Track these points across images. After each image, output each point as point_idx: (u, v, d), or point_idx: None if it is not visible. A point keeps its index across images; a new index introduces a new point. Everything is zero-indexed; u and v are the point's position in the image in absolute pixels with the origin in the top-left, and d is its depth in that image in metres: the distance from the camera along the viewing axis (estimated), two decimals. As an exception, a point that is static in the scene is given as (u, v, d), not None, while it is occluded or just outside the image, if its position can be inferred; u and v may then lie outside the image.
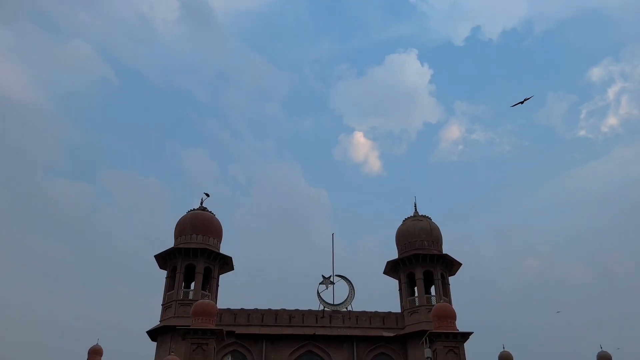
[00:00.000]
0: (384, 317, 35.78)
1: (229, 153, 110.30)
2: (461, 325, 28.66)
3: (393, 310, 36.32)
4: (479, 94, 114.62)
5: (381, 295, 45.40)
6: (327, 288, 36.12)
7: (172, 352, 28.93)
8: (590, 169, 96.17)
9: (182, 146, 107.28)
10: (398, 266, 37.04)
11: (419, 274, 35.81)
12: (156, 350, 33.53)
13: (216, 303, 33.92)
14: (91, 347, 33.72)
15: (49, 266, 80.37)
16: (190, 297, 34.42)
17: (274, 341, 33.80)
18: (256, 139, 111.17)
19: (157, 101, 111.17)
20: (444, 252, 37.18)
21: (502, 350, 34.38)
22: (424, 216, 38.97)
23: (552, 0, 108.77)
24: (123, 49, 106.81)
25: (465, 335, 28.02)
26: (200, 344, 27.02)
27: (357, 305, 35.98)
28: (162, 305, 35.15)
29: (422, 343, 29.10)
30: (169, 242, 37.15)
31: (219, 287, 36.62)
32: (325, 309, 35.41)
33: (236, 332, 33.22)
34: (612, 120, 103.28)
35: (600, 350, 34.11)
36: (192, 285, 35.68)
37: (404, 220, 39.19)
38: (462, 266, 37.43)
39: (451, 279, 37.23)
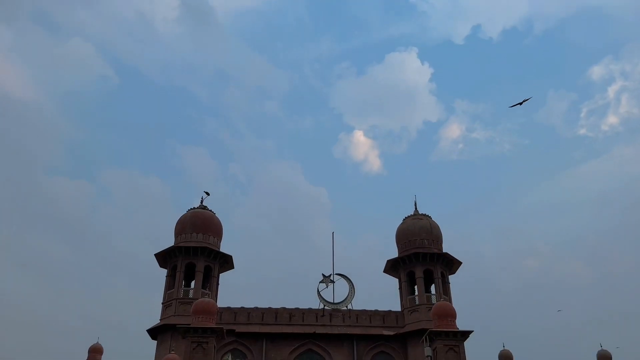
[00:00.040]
0: (384, 316, 35.79)
1: (229, 152, 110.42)
2: (461, 324, 28.69)
3: (393, 309, 36.34)
4: (479, 93, 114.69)
5: (381, 294, 45.48)
6: (327, 287, 36.15)
7: (173, 350, 28.94)
8: (591, 168, 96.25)
9: (182, 145, 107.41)
10: (398, 265, 37.05)
11: (419, 273, 35.82)
12: (156, 348, 33.55)
13: (216, 302, 33.95)
14: (91, 346, 33.83)
15: (49, 265, 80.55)
16: (191, 295, 34.43)
17: (274, 340, 33.82)
18: (256, 137, 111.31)
19: (157, 100, 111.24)
20: (444, 250, 37.19)
21: (502, 349, 34.47)
22: (424, 215, 38.97)
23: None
24: (123, 48, 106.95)
25: (465, 334, 28.01)
26: (201, 343, 27.02)
27: (357, 304, 36.05)
28: (162, 303, 35.16)
29: (422, 342, 29.10)
30: (169, 241, 37.22)
31: (219, 286, 36.65)
32: (326, 307, 35.42)
33: (236, 331, 33.24)
34: (612, 119, 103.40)
35: (600, 349, 34.20)
36: (192, 283, 35.69)
37: (404, 219, 39.19)
38: (462, 265, 37.45)
39: (451, 278, 37.25)
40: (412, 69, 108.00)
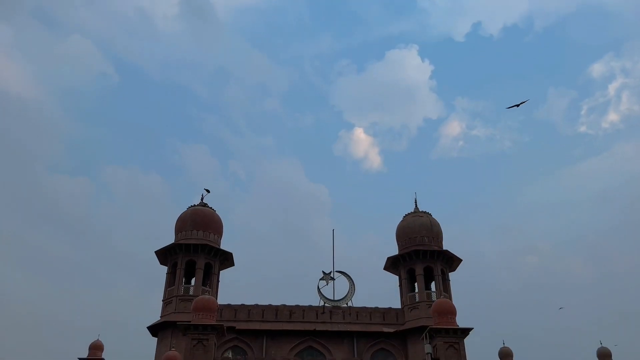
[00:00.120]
0: (384, 313, 35.81)
1: (229, 149, 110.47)
2: (461, 321, 28.76)
3: (393, 306, 36.37)
4: (479, 90, 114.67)
5: (381, 291, 45.46)
6: (327, 284, 36.12)
7: (173, 347, 28.99)
8: (591, 165, 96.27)
9: (183, 142, 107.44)
10: (398, 262, 37.07)
11: (419, 270, 35.83)
12: (157, 345, 33.58)
13: (216, 299, 33.95)
14: (92, 343, 33.92)
15: (49, 263, 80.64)
16: (191, 292, 34.47)
17: (275, 337, 33.84)
18: (256, 135, 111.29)
19: (157, 97, 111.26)
20: (444, 248, 37.21)
21: (502, 346, 34.49)
22: (424, 212, 38.97)
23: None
24: (123, 45, 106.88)
25: (465, 331, 28.05)
26: (201, 340, 27.08)
27: (357, 301, 36.03)
28: (162, 301, 35.19)
29: (422, 339, 29.13)
30: (169, 238, 37.25)
31: (219, 283, 36.67)
32: (326, 304, 35.44)
33: (237, 328, 33.27)
34: (612, 116, 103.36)
35: (600, 346, 34.22)
36: (193, 281, 35.72)
37: (404, 216, 39.20)
38: (462, 262, 37.45)
39: (451, 275, 37.26)
40: (412, 66, 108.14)
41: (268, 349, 33.25)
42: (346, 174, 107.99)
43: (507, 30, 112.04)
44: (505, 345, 34.53)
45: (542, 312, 70.88)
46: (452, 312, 28.73)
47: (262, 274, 76.31)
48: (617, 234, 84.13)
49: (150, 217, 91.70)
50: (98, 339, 34.17)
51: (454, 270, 37.68)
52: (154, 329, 34.18)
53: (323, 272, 36.55)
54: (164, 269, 36.60)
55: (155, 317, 34.77)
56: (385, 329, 34.57)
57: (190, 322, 27.66)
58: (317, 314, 35.26)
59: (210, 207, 38.47)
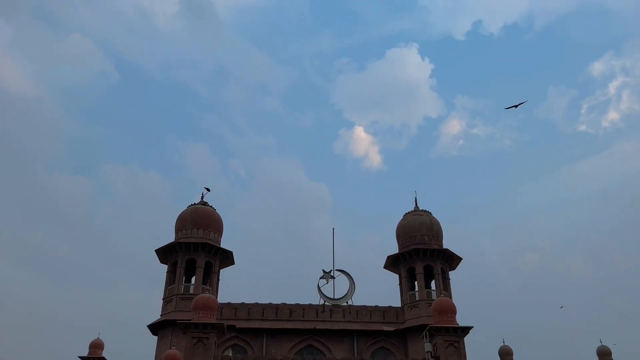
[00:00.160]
0: (384, 312, 35.83)
1: (229, 148, 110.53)
2: (461, 320, 28.77)
3: (393, 305, 36.39)
4: (479, 89, 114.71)
5: (381, 290, 45.47)
6: (327, 282, 36.07)
7: (173, 346, 28.99)
8: (591, 164, 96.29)
9: (183, 141, 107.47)
10: (398, 261, 37.08)
11: (419, 269, 35.84)
12: (157, 344, 33.61)
13: (217, 297, 33.92)
14: (92, 342, 33.93)
15: (50, 261, 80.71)
16: (191, 291, 34.48)
17: (275, 335, 33.87)
18: (256, 133, 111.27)
19: (157, 96, 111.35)
20: (444, 246, 37.22)
21: (502, 344, 34.47)
22: (425, 211, 38.96)
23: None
24: (123, 44, 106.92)
25: (465, 330, 28.05)
26: (201, 338, 27.07)
27: (357, 300, 36.01)
28: (162, 299, 35.21)
29: (422, 337, 29.16)
30: (169, 237, 37.25)
31: (219, 282, 36.67)
32: (326, 303, 35.43)
33: (237, 327, 33.29)
34: (613, 115, 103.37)
35: (600, 344, 34.23)
36: (193, 279, 35.74)
37: (404, 215, 39.20)
38: (462, 261, 37.46)
39: (451, 274, 37.27)
40: (412, 65, 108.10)
41: (268, 347, 33.27)
42: (346, 173, 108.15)
43: (507, 29, 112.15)
44: (505, 343, 34.53)
45: (542, 310, 71.06)
46: (452, 310, 28.74)
47: (262, 273, 76.40)
48: (617, 233, 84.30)
49: (150, 215, 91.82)
50: (98, 338, 34.18)
51: (454, 269, 37.69)
52: (154, 328, 34.20)
53: (323, 270, 36.52)
54: (164, 267, 36.61)
55: (155, 315, 34.84)
56: (386, 328, 34.59)
57: (190, 320, 27.66)
58: (317, 313, 35.28)
59: (211, 206, 38.48)
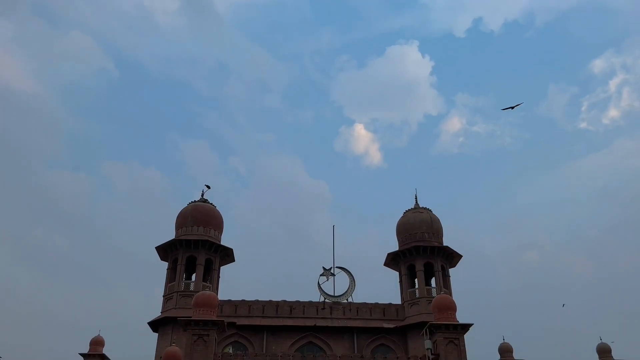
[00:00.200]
0: (385, 309, 35.88)
1: (229, 145, 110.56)
2: (461, 317, 28.78)
3: (393, 302, 36.44)
4: (480, 86, 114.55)
5: (381, 287, 45.47)
6: (327, 280, 36.20)
7: (174, 343, 29.05)
8: (592, 162, 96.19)
9: (183, 138, 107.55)
10: (398, 258, 37.10)
11: (419, 266, 35.86)
12: (157, 341, 33.66)
13: (217, 294, 34.04)
14: (93, 338, 34.00)
15: (50, 259, 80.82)
16: (192, 288, 34.51)
17: (275, 332, 33.92)
18: (256, 130, 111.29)
19: (157, 93, 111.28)
20: (444, 244, 37.23)
21: (502, 342, 34.53)
22: (425, 208, 38.97)
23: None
24: (123, 41, 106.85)
25: (465, 327, 28.10)
26: (202, 335, 27.13)
27: (357, 297, 36.15)
28: (163, 296, 35.26)
29: (423, 334, 29.21)
30: (169, 234, 37.30)
31: (220, 279, 36.73)
32: (326, 300, 35.50)
33: (237, 324, 33.35)
34: (613, 113, 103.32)
35: (599, 342, 34.30)
36: (193, 276, 35.77)
37: (404, 212, 39.20)
38: (462, 258, 37.48)
39: (451, 271, 37.28)
40: (412, 62, 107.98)
41: (268, 344, 33.32)
42: (346, 170, 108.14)
43: (507, 26, 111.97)
44: (505, 341, 34.61)
45: (543, 307, 71.11)
46: (452, 307, 28.77)
47: (263, 270, 76.50)
48: (618, 230, 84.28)
49: (150, 212, 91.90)
50: (99, 335, 34.25)
51: (454, 266, 37.72)
52: (154, 325, 34.25)
53: (323, 267, 36.63)
54: (165, 264, 36.66)
55: (155, 312, 34.89)
56: (386, 325, 34.63)
57: (190, 317, 27.69)
58: (317, 310, 35.31)
59: (211, 203, 38.50)
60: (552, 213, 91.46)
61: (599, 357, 33.86)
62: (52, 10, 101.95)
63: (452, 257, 37.20)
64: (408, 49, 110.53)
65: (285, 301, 35.64)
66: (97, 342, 33.85)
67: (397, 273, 37.67)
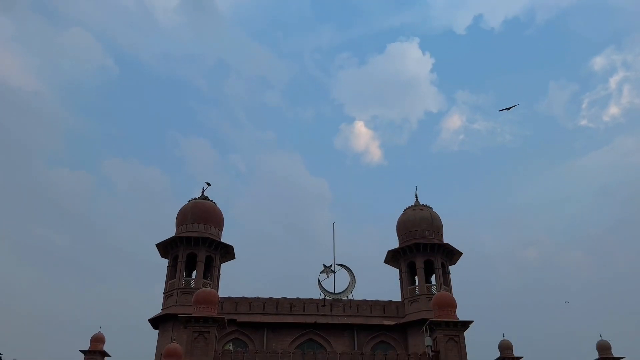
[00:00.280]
0: (385, 306, 35.91)
1: (229, 142, 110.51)
2: (461, 314, 28.80)
3: (394, 299, 36.45)
4: (480, 83, 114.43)
5: (382, 284, 45.62)
6: (328, 277, 36.20)
7: (174, 340, 29.10)
8: (592, 159, 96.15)
9: (183, 135, 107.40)
10: (399, 255, 37.13)
11: (419, 263, 35.88)
12: (158, 338, 33.70)
13: (217, 291, 34.09)
14: (93, 335, 34.07)
15: (50, 256, 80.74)
16: (192, 285, 34.54)
17: (275, 329, 33.97)
18: (257, 128, 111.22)
19: (157, 90, 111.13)
20: (444, 241, 37.24)
21: (502, 339, 34.60)
22: (425, 205, 38.98)
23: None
24: (123, 38, 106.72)
25: (466, 324, 28.12)
26: (202, 332, 27.18)
27: (357, 294, 36.14)
28: (163, 293, 35.31)
29: (423, 331, 29.25)
30: (170, 231, 37.31)
31: (220, 276, 36.78)
32: (326, 297, 35.52)
33: (237, 321, 33.41)
34: (613, 110, 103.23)
35: (599, 339, 34.35)
36: (194, 274, 35.79)
37: (404, 210, 39.22)
38: (462, 255, 37.50)
39: (452, 268, 37.32)
40: (413, 60, 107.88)
41: (269, 341, 33.38)
42: (347, 168, 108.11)
43: (508, 23, 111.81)
44: (505, 338, 34.66)
45: (543, 304, 71.28)
46: (452, 305, 28.79)
47: (263, 267, 76.66)
48: (618, 227, 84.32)
49: (150, 210, 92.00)
50: (99, 332, 34.32)
51: (454, 263, 37.75)
52: (155, 322, 34.31)
53: (324, 265, 36.64)
54: (165, 261, 36.69)
55: (156, 309, 34.95)
56: (386, 322, 34.68)
57: (191, 314, 27.75)
58: (317, 307, 35.35)
59: (211, 201, 38.52)
60: (552, 210, 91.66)
61: (599, 354, 33.92)
62: (51, 7, 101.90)
63: (452, 255, 37.22)
64: (408, 46, 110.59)
65: (285, 298, 35.68)
66: (97, 339, 33.92)
67: (398, 270, 37.71)
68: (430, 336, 28.41)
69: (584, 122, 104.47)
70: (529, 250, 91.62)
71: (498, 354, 34.45)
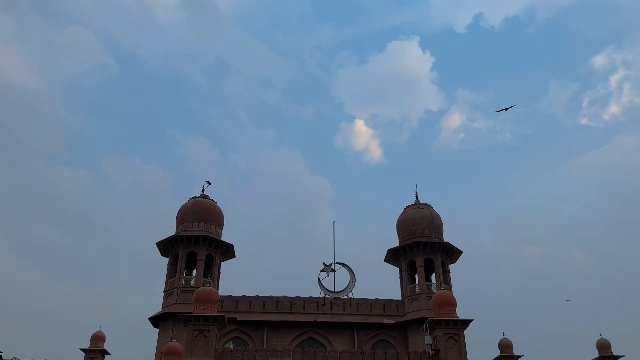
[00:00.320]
0: (385, 305, 35.93)
1: (229, 141, 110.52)
2: (461, 313, 28.82)
3: (394, 298, 36.49)
4: (480, 82, 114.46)
5: (382, 283, 45.61)
6: (328, 275, 36.15)
7: (174, 338, 29.12)
8: (592, 158, 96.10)
9: (183, 134, 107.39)
10: (399, 254, 37.14)
11: (419, 262, 35.90)
12: (158, 336, 33.74)
13: (218, 290, 34.08)
14: (94, 334, 34.01)
15: (50, 255, 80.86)
16: (192, 284, 34.57)
17: (276, 328, 34.01)
18: (257, 126, 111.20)
19: (157, 88, 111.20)
20: (444, 240, 37.26)
21: (502, 337, 34.57)
22: (425, 204, 38.99)
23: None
24: (123, 36, 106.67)
25: (466, 323, 28.14)
26: (202, 331, 27.20)
27: (357, 293, 36.13)
28: (164, 292, 35.33)
29: (423, 330, 29.27)
30: (170, 230, 37.32)
31: (220, 274, 36.77)
32: (326, 296, 35.52)
33: (238, 319, 33.45)
34: (614, 109, 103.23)
35: (599, 337, 34.34)
36: (194, 272, 35.82)
37: (405, 209, 39.23)
38: (462, 254, 37.51)
39: (452, 267, 37.33)
40: (413, 58, 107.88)
41: (269, 340, 33.41)
42: (347, 166, 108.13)
43: (508, 22, 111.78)
44: (505, 336, 34.64)
45: (543, 302, 71.29)
46: (452, 303, 28.81)
47: (263, 266, 76.64)
48: (618, 226, 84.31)
49: (150, 208, 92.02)
50: (100, 330, 34.28)
51: (454, 262, 37.76)
52: (155, 320, 34.34)
53: (324, 263, 36.60)
54: (166, 260, 36.72)
55: (156, 308, 34.98)
56: (386, 321, 34.70)
57: (191, 313, 27.77)
58: (317, 306, 35.38)
59: (211, 199, 38.52)
60: (553, 209, 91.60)
61: (599, 353, 33.89)
62: (52, 5, 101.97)
63: (452, 253, 37.24)
64: (408, 44, 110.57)
65: (285, 297, 35.71)
66: (97, 338, 33.88)
67: (398, 269, 37.73)
68: (430, 335, 28.42)
69: (584, 120, 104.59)
70: (529, 249, 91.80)
71: (498, 353, 34.43)
